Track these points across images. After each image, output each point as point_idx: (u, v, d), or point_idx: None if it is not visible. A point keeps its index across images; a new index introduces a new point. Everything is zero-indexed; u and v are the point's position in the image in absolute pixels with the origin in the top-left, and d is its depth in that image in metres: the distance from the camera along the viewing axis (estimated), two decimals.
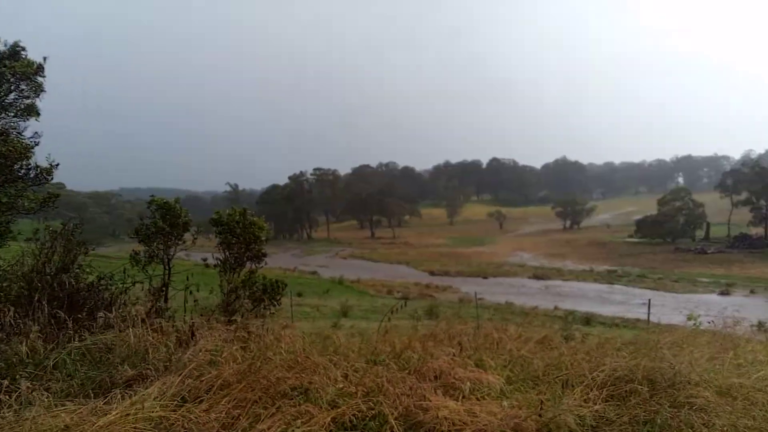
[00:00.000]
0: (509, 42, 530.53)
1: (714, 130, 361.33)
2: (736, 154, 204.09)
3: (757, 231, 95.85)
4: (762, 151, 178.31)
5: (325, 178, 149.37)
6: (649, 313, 19.28)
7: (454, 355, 5.45)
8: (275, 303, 8.79)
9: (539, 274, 65.07)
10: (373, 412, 3.96)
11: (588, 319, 31.04)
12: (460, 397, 4.46)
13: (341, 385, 4.28)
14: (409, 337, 6.42)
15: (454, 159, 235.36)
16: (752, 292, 52.62)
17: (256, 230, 8.79)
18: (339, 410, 3.85)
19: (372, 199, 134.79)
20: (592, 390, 4.58)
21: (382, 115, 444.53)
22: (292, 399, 4.04)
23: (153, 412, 3.71)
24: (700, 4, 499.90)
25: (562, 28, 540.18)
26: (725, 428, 3.98)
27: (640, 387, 4.55)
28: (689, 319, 10.31)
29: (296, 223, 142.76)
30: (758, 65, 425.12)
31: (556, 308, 37.24)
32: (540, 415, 4.09)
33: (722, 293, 51.74)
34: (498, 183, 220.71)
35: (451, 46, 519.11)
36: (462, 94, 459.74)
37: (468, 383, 4.63)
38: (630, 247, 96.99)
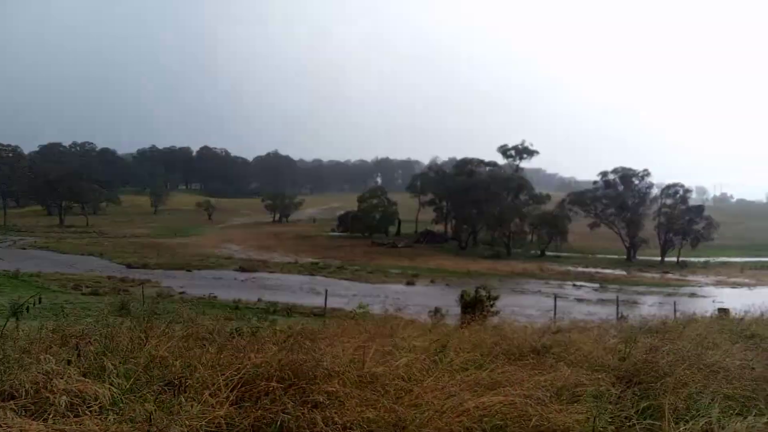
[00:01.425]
0: (224, 32, 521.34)
1: (408, 136, 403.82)
2: (425, 159, 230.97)
3: (439, 228, 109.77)
4: (446, 159, 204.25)
5: (3, 154, 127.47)
6: (326, 303, 20.13)
7: (69, 362, 4.50)
8: None
9: (246, 267, 64.64)
10: None
11: (289, 310, 31.54)
12: (51, 416, 3.59)
13: None
14: (30, 342, 5.24)
15: (161, 143, 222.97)
16: (432, 281, 59.52)
17: None
18: None
19: (63, 183, 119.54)
20: (223, 392, 4.12)
21: (80, 89, 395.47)
22: None
23: None
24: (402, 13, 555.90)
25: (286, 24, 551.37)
26: (347, 423, 3.84)
27: (274, 384, 4.24)
28: (359, 307, 10.98)
29: None
30: (430, 80, 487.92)
31: (259, 300, 37.15)
32: (148, 430, 3.44)
33: (408, 283, 57.32)
34: (208, 172, 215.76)
35: (166, 22, 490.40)
36: (173, 72, 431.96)
37: (65, 397, 3.76)
38: (333, 240, 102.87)
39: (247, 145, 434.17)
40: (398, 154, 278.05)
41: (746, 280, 69.42)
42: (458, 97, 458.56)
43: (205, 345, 5.77)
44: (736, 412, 4.89)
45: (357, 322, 8.50)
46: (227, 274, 59.47)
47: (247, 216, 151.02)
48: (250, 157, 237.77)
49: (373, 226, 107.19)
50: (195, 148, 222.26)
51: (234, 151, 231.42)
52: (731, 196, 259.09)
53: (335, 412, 3.87)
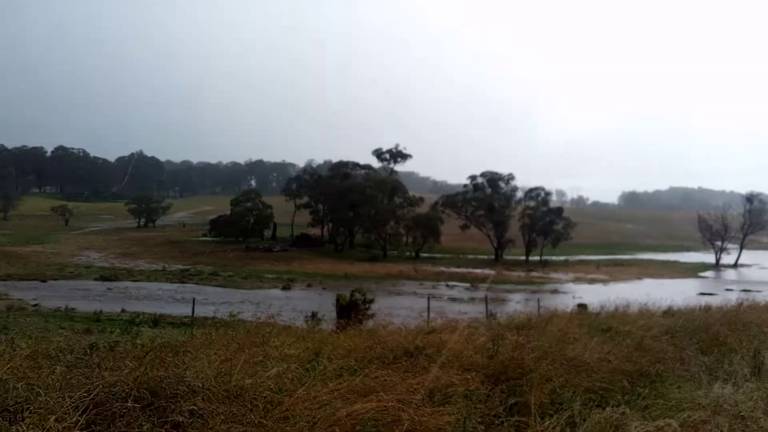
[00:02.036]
0: (78, 16, 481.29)
1: (283, 139, 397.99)
2: (301, 162, 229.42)
3: (315, 231, 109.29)
4: (321, 161, 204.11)
5: None
6: (193, 312, 19.28)
7: None
8: None
9: (107, 275, 60.63)
10: None
11: (156, 320, 29.89)
12: None
13: None
14: None
15: (11, 143, 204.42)
16: (309, 285, 59.05)
17: None
18: None
19: None
20: (71, 416, 3.72)
21: None
22: None
23: None
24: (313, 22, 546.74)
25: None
26: None
27: (131, 404, 3.90)
28: (230, 315, 10.58)
29: None
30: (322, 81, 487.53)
31: (123, 311, 34.98)
32: None
33: (284, 288, 56.50)
34: (64, 174, 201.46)
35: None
36: (23, 62, 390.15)
37: None
38: (204, 245, 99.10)
39: (109, 144, 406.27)
40: (273, 157, 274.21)
41: (602, 277, 75.88)
42: (333, 100, 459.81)
43: (53, 364, 5.23)
44: (596, 403, 5.18)
45: (226, 332, 8.13)
46: (87, 284, 55.54)
47: (109, 221, 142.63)
48: (111, 158, 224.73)
49: (247, 230, 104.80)
50: (49, 148, 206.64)
51: (94, 152, 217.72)
52: (587, 199, 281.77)
53: (196, 430, 3.62)
